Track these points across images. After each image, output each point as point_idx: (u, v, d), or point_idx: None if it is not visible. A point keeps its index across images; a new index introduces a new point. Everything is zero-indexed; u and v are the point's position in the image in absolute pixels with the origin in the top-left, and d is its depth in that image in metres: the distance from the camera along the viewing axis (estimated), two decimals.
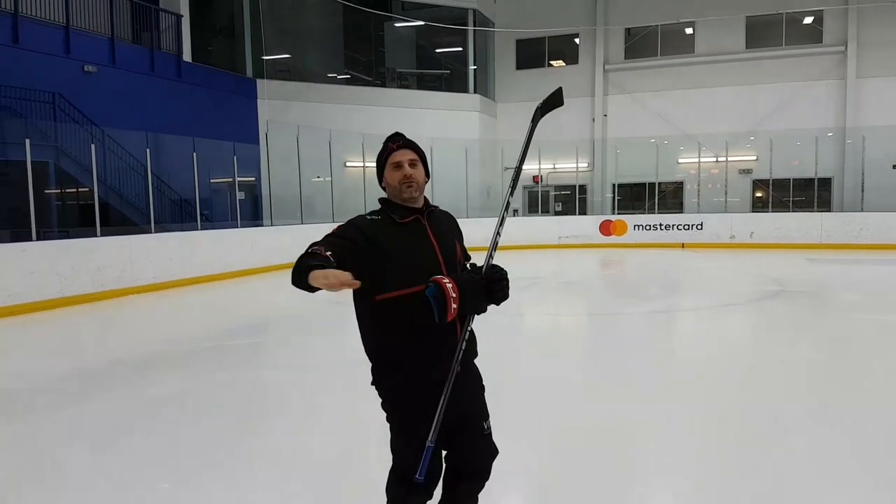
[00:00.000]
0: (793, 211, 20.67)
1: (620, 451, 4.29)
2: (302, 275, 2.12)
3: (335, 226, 2.48)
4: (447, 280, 2.32)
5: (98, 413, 5.33)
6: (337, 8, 21.97)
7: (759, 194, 22.56)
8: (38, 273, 10.31)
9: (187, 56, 18.21)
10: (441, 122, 21.57)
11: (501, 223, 2.58)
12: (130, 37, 17.09)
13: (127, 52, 16.49)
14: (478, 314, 2.47)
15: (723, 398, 5.43)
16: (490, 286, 2.43)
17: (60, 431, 4.95)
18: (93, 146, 12.54)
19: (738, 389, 5.69)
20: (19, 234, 11.37)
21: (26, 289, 10.09)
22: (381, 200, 2.59)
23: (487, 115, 24.55)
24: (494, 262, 2.50)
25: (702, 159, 21.98)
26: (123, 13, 16.98)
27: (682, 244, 19.94)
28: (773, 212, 20.70)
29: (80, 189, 14.97)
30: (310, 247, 2.30)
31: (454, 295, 2.30)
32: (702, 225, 19.91)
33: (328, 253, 2.24)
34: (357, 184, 18.81)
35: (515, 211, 23.97)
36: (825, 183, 21.68)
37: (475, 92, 23.97)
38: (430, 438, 2.39)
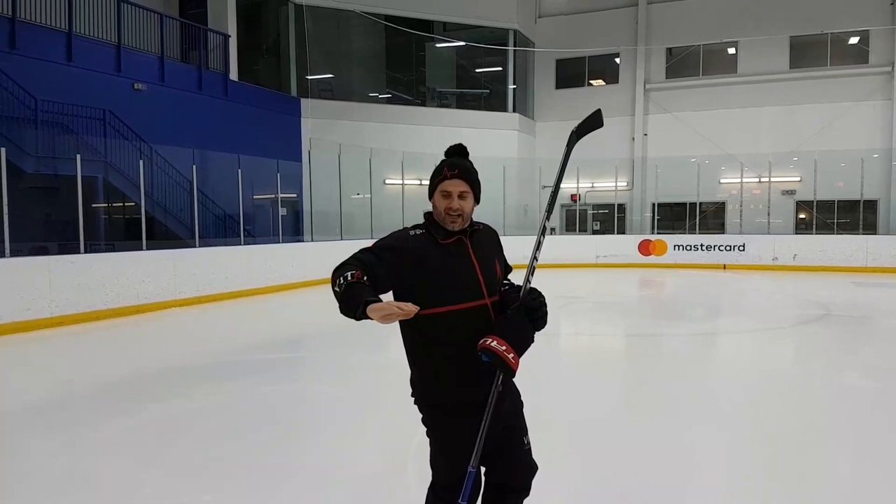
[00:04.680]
0: (837, 233, 20.24)
1: (660, 474, 4.25)
2: (353, 308, 2.22)
3: (374, 241, 2.51)
4: (491, 340, 2.35)
5: (140, 424, 5.44)
6: (379, 29, 22.28)
7: (802, 216, 22.14)
8: (86, 285, 10.58)
9: (234, 75, 18.62)
10: (480, 141, 21.56)
11: (538, 247, 2.58)
12: (179, 56, 17.53)
13: (175, 71, 16.92)
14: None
15: (769, 425, 5.32)
16: (529, 313, 2.45)
17: (102, 442, 5.06)
18: (141, 162, 12.89)
19: (785, 416, 5.57)
20: (68, 246, 11.69)
21: (74, 300, 10.37)
22: (427, 216, 2.59)
23: (526, 133, 24.57)
24: (532, 284, 2.52)
25: (744, 179, 21.67)
26: (173, 33, 17.46)
27: (724, 265, 19.65)
28: (817, 234, 20.26)
29: (127, 203, 15.33)
30: (346, 267, 2.34)
31: (503, 348, 2.34)
32: (744, 246, 19.61)
33: (364, 279, 2.29)
34: (396, 201, 18.98)
35: (553, 229, 23.87)
36: (871, 205, 21.20)
37: (514, 111, 24.04)
38: (471, 463, 2.41)
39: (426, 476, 2.63)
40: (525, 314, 2.44)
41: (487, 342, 2.34)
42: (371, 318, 2.18)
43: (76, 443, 5.03)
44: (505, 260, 2.74)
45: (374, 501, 3.86)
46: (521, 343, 2.40)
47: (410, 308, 2.18)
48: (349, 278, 2.28)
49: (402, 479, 4.09)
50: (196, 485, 4.14)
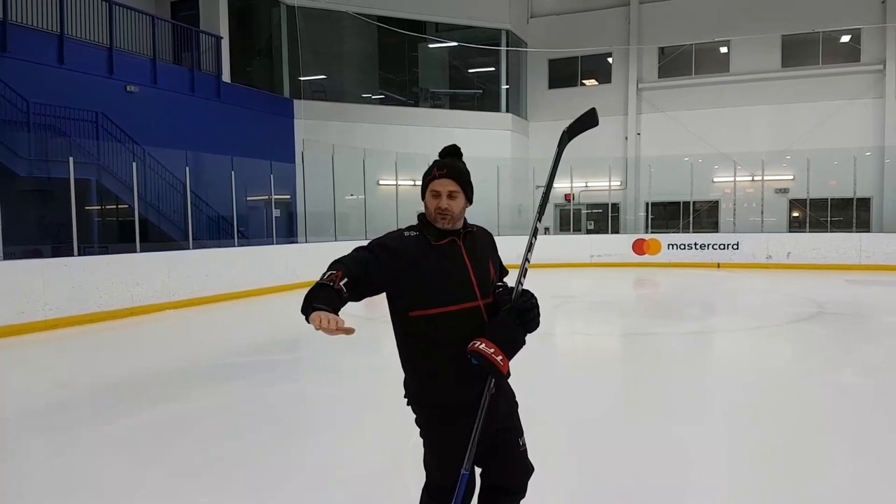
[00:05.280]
0: (831, 231, 20.31)
1: (658, 474, 4.26)
2: (305, 311, 2.21)
3: (368, 241, 2.50)
4: (479, 343, 2.34)
5: (137, 426, 5.42)
6: (372, 30, 22.29)
7: (795, 214, 22.24)
8: (79, 287, 10.54)
9: (226, 77, 18.58)
10: (473, 141, 21.50)
11: (530, 249, 2.57)
12: (171, 58, 17.47)
13: (168, 73, 16.87)
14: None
15: (767, 423, 5.32)
16: (521, 316, 2.44)
17: (99, 444, 5.05)
18: (134, 164, 12.88)
19: (784, 415, 5.58)
20: (61, 249, 11.64)
21: (67, 303, 10.33)
22: (420, 217, 2.57)
23: (519, 133, 24.62)
24: (525, 285, 2.51)
25: (737, 178, 21.75)
26: (165, 35, 17.40)
27: (718, 264, 19.71)
28: (810, 232, 20.32)
29: (120, 206, 15.28)
30: (336, 265, 2.32)
31: (491, 350, 2.33)
32: (738, 245, 19.67)
33: (343, 282, 2.25)
34: (390, 202, 18.98)
35: (547, 229, 23.93)
36: (864, 203, 21.28)
37: (507, 111, 24.08)
38: (464, 465, 2.40)
39: (422, 476, 2.62)
40: (516, 316, 2.43)
41: (476, 345, 2.33)
42: None
43: (76, 443, 5.02)
44: (500, 262, 2.74)
45: (374, 501, 3.86)
46: (511, 346, 2.39)
47: (342, 331, 2.13)
48: (324, 278, 2.27)
49: (402, 479, 4.08)
50: (196, 485, 4.13)
